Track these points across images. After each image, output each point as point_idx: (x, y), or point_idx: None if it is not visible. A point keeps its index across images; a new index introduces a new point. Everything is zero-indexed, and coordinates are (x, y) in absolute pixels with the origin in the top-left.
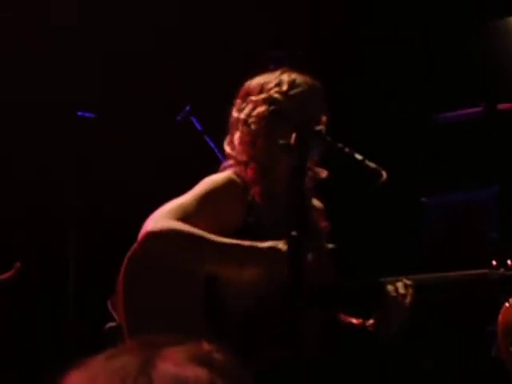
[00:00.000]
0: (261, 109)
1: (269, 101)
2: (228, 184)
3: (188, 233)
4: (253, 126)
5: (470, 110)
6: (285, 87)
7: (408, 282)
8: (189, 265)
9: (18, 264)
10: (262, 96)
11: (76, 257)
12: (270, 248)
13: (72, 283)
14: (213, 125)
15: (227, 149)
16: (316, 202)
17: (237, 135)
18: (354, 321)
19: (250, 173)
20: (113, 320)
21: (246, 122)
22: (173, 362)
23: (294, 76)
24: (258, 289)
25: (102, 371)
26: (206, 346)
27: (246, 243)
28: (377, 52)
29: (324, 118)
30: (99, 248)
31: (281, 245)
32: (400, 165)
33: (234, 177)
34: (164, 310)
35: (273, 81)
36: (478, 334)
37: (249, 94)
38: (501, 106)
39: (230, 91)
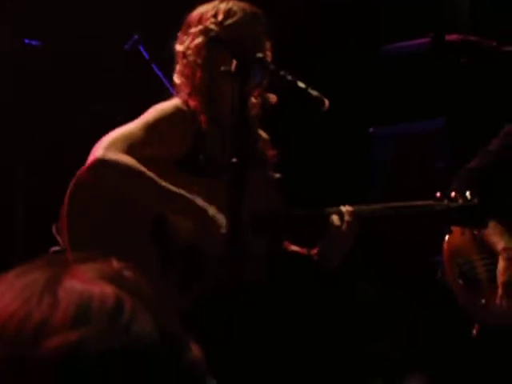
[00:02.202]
0: (198, 40)
1: (205, 32)
2: (175, 112)
3: (135, 169)
4: (191, 58)
5: (418, 41)
6: (220, 17)
7: (351, 209)
8: (131, 198)
9: None
10: (199, 28)
11: (23, 185)
12: (201, 208)
13: (19, 210)
14: (160, 54)
15: (175, 79)
16: (262, 133)
17: (178, 68)
18: (299, 249)
19: (194, 103)
20: (57, 244)
21: (184, 54)
22: (80, 279)
23: (230, 4)
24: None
25: (8, 289)
26: (116, 264)
27: (187, 197)
28: None
29: (268, 45)
30: (45, 176)
31: (212, 211)
32: (349, 95)
33: (181, 105)
34: (108, 234)
35: (210, 11)
36: (422, 263)
37: (189, 26)
38: (448, 37)
39: (179, 19)
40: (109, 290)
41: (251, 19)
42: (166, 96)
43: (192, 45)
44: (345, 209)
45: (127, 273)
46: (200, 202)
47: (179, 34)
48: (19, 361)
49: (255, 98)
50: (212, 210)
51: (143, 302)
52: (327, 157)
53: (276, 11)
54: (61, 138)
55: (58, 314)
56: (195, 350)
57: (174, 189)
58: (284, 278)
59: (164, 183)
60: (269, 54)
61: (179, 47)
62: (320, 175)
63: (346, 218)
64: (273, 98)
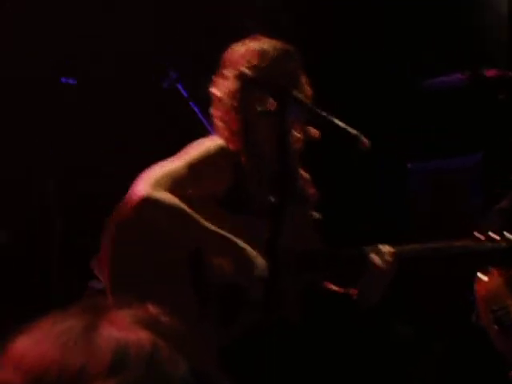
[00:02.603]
0: (232, 84)
1: (239, 76)
2: (217, 151)
3: (180, 209)
4: (227, 101)
5: (457, 76)
6: (253, 59)
7: (392, 250)
8: (175, 239)
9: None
10: (233, 72)
11: (58, 224)
12: (248, 253)
13: (56, 244)
14: (199, 92)
15: (214, 122)
16: (303, 172)
17: (216, 112)
18: (337, 288)
19: (233, 144)
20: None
21: (221, 99)
22: (116, 326)
23: (262, 44)
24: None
25: (45, 336)
26: (152, 310)
27: (233, 239)
28: (362, 17)
29: (304, 81)
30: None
31: (252, 252)
32: (386, 131)
33: (222, 144)
34: (149, 274)
35: (243, 53)
36: (455, 302)
37: (223, 68)
38: (487, 73)
39: (215, 58)
40: (145, 336)
41: (284, 57)
42: (204, 133)
43: (227, 89)
44: (384, 248)
45: (163, 318)
46: (240, 242)
47: (214, 77)
48: None
49: (298, 132)
50: (252, 252)
51: (179, 348)
52: (364, 193)
53: (313, 46)
54: (97, 173)
55: (96, 361)
56: None
57: (216, 230)
58: (321, 317)
59: (207, 224)
60: (308, 89)
61: (215, 91)
62: (358, 212)
63: (386, 257)
64: (315, 132)
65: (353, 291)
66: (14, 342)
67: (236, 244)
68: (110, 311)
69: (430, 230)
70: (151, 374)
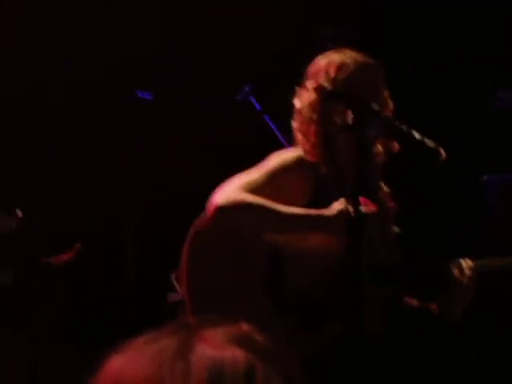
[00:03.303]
0: (312, 97)
1: (318, 88)
2: (296, 162)
3: (256, 202)
4: (306, 114)
5: None
6: (333, 72)
7: (472, 264)
8: (257, 235)
9: (78, 244)
10: (312, 84)
11: (135, 238)
12: (336, 213)
13: (132, 261)
14: (272, 105)
15: (295, 134)
16: (383, 185)
17: (296, 124)
18: (418, 304)
19: (313, 157)
20: (175, 293)
21: (300, 110)
22: (211, 345)
23: (343, 56)
24: (324, 263)
25: (139, 356)
26: (245, 327)
27: (313, 211)
28: (436, 28)
29: (385, 94)
30: (156, 226)
31: (346, 205)
32: (462, 144)
33: (302, 155)
34: (227, 285)
35: (323, 66)
36: None
37: (306, 80)
38: None
39: (288, 70)
40: (239, 354)
41: (364, 70)
42: (278, 147)
43: (306, 101)
44: (465, 263)
45: (256, 336)
46: (326, 210)
47: (298, 89)
48: None
49: (380, 146)
50: (343, 205)
51: (273, 366)
52: (442, 207)
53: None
54: (173, 185)
55: (192, 380)
56: None
57: (299, 210)
58: (403, 332)
59: (287, 208)
60: (389, 103)
61: (296, 102)
62: (436, 227)
63: (467, 271)
64: (395, 146)
65: (433, 306)
66: (109, 362)
67: (324, 214)
68: (204, 329)
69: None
70: None
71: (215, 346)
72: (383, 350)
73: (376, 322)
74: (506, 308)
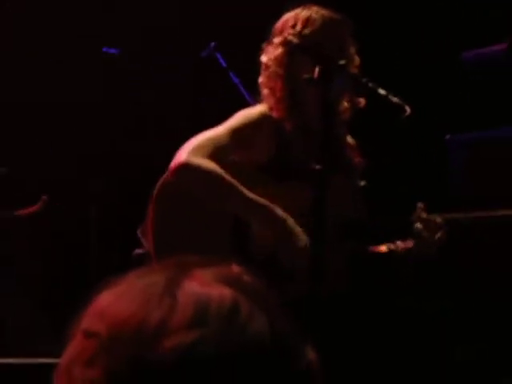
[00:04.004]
0: (277, 51)
1: (284, 43)
2: (261, 118)
3: (218, 176)
4: (272, 69)
5: (496, 47)
6: (299, 26)
7: (438, 220)
8: (213, 205)
9: (44, 197)
10: (279, 39)
11: (100, 193)
12: (282, 219)
13: (95, 217)
14: (237, 61)
15: (261, 89)
16: (350, 139)
17: (262, 79)
18: (383, 248)
19: (278, 112)
20: (141, 247)
21: (267, 65)
22: (199, 282)
23: (310, 12)
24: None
25: (129, 289)
26: (235, 268)
27: (269, 207)
28: None
29: (352, 50)
30: (124, 183)
31: (291, 222)
32: (425, 101)
33: (267, 111)
34: (191, 238)
35: (290, 21)
36: None
37: (273, 36)
38: None
39: (255, 27)
40: (227, 292)
41: (331, 25)
42: (244, 104)
43: (273, 56)
44: (430, 217)
45: (246, 277)
46: (280, 212)
47: (264, 45)
48: (137, 361)
49: (346, 102)
50: (291, 222)
51: (260, 305)
52: (406, 164)
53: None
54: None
55: (177, 315)
56: (311, 353)
57: (255, 198)
58: (367, 284)
59: (247, 192)
60: (356, 58)
61: (263, 58)
62: (401, 182)
63: (432, 226)
64: (361, 101)
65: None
66: (99, 297)
67: (276, 214)
68: (193, 268)
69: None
70: (231, 330)
71: (203, 284)
72: (347, 307)
73: (341, 277)
74: (469, 261)
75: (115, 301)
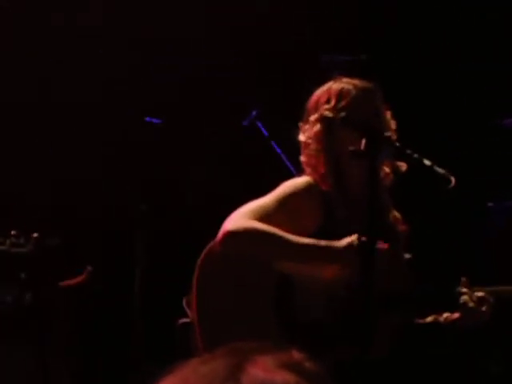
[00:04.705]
0: (316, 128)
1: (321, 119)
2: (307, 188)
3: (266, 231)
4: (313, 147)
5: None
6: (333, 100)
7: (484, 293)
8: (266, 263)
9: (89, 268)
10: (316, 116)
11: (143, 260)
12: (346, 246)
13: (139, 286)
14: (279, 130)
15: (304, 168)
16: (395, 211)
17: (304, 158)
18: (429, 319)
19: (325, 186)
20: (186, 317)
21: (306, 144)
22: (262, 368)
23: (341, 85)
24: (332, 290)
25: (192, 374)
26: (296, 355)
27: (323, 242)
28: (441, 55)
29: (387, 115)
30: (166, 251)
31: (356, 240)
32: (467, 169)
33: (313, 182)
34: (236, 311)
35: (323, 96)
36: None
37: (308, 114)
38: None
39: (296, 96)
40: (290, 378)
41: (364, 94)
42: (285, 173)
43: (312, 133)
44: (478, 291)
45: (307, 363)
46: (338, 243)
47: (301, 124)
48: None
49: (387, 167)
50: (343, 244)
51: None
52: (450, 233)
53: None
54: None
55: None
56: None
57: (309, 240)
58: (411, 351)
59: (300, 238)
60: (392, 123)
61: (301, 137)
62: (444, 252)
63: (476, 299)
64: (402, 166)
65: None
66: (162, 381)
67: (336, 246)
68: (255, 354)
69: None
70: None
71: (267, 370)
72: (390, 370)
73: (385, 347)
74: None
75: None
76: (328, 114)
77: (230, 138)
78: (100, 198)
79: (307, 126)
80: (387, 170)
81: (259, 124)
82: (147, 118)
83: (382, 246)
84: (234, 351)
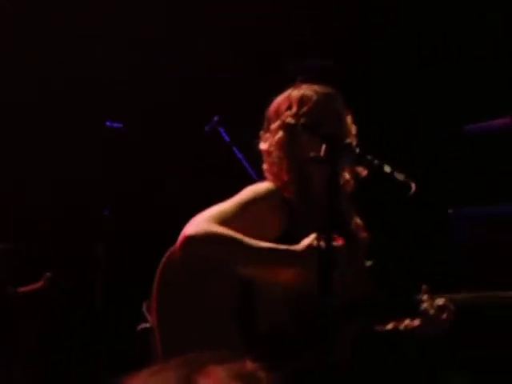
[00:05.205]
0: (278, 136)
1: (284, 126)
2: (269, 193)
3: (226, 235)
4: (275, 154)
5: (499, 120)
6: (294, 108)
7: (444, 301)
8: (227, 269)
9: (48, 274)
10: (277, 123)
11: (104, 267)
12: (305, 247)
13: (99, 290)
14: (241, 136)
15: (267, 176)
16: (356, 218)
17: (266, 166)
18: (389, 326)
19: (288, 193)
20: (145, 322)
21: (269, 152)
22: (213, 380)
23: (302, 90)
24: (294, 294)
25: None
26: (249, 365)
27: (283, 246)
28: (406, 62)
29: (349, 121)
30: (127, 255)
31: (315, 240)
32: (428, 176)
33: (275, 188)
34: (196, 317)
35: (283, 103)
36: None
37: (269, 122)
38: None
39: (257, 102)
40: None
41: (325, 100)
42: (247, 178)
43: (274, 141)
44: (438, 299)
45: (260, 373)
46: (298, 246)
47: (261, 133)
48: None
49: (348, 173)
50: (303, 247)
51: None
52: (410, 239)
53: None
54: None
55: None
56: None
57: (269, 244)
58: (372, 360)
59: (260, 243)
60: (352, 128)
61: (263, 146)
62: (404, 259)
63: (438, 306)
64: (362, 171)
65: (404, 325)
66: None
67: (294, 249)
68: (207, 365)
69: (481, 279)
70: None
71: (218, 381)
72: (352, 380)
73: (346, 355)
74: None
75: None
76: (290, 120)
77: (191, 143)
78: (62, 201)
79: (268, 134)
80: (348, 176)
81: (221, 130)
82: (107, 123)
83: (337, 242)
84: (186, 362)
